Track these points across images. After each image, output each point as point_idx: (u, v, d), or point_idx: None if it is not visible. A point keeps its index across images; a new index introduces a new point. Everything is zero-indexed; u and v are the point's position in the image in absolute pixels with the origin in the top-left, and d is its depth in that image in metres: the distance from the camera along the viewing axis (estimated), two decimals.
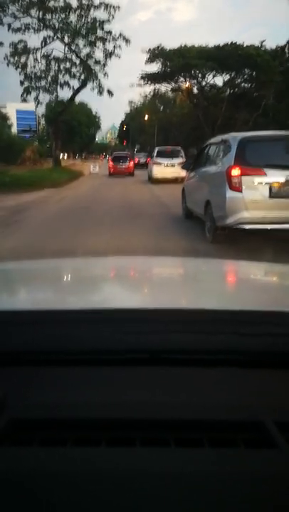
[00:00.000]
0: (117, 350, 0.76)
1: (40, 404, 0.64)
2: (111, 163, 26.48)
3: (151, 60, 35.50)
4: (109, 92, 26.86)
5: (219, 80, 45.55)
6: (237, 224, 5.37)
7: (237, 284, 1.44)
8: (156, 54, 34.67)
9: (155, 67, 35.73)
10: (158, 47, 34.67)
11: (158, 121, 54.79)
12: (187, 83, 37.93)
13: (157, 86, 39.37)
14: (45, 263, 1.79)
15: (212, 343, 0.76)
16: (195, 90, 38.91)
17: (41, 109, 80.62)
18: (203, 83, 37.71)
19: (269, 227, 5.35)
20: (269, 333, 0.78)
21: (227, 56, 30.16)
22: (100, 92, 26.68)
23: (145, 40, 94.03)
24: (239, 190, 5.31)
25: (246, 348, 0.77)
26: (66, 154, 71.56)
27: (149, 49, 34.72)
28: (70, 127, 75.83)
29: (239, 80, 34.44)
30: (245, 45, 31.22)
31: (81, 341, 0.77)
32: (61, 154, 69.90)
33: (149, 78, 37.47)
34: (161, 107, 60.36)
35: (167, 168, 17.07)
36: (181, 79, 37.52)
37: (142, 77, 37.87)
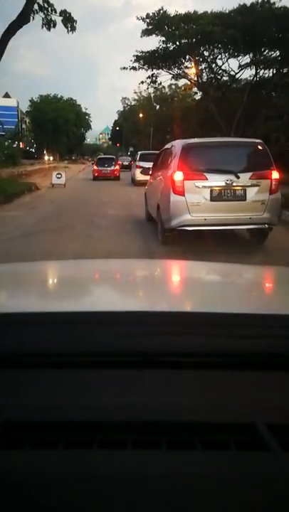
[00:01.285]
0: (110, 352, 0.77)
1: (33, 406, 0.65)
2: (95, 166, 24.64)
3: (148, 31, 25.81)
4: (67, 20, 13.20)
5: (234, 64, 36.37)
6: (180, 226, 5.63)
7: (230, 287, 1.41)
8: (156, 22, 24.95)
9: (155, 42, 26.20)
10: (159, 11, 24.97)
11: (155, 117, 46.12)
12: (194, 68, 28.40)
13: (156, 71, 29.57)
14: (39, 265, 1.82)
15: (204, 345, 0.77)
16: (204, 78, 29.38)
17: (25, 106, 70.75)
18: (214, 67, 28.19)
19: (210, 228, 5.69)
20: (260, 336, 0.78)
21: (255, 22, 20.45)
22: (49, 24, 13.25)
23: (140, 42, 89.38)
24: (182, 194, 5.57)
25: (238, 351, 0.77)
26: (52, 156, 61.59)
27: (148, 14, 25.04)
28: (56, 125, 65.98)
29: (265, 57, 24.67)
30: (281, 6, 21.43)
31: (74, 344, 0.76)
32: (46, 156, 60.31)
33: (146, 60, 27.79)
34: (157, 107, 52.35)
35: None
36: (186, 64, 27.88)
37: (137, 58, 28.26)
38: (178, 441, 0.58)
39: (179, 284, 1.43)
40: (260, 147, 5.93)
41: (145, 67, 28.23)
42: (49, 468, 0.51)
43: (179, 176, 5.54)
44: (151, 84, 30.62)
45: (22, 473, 0.51)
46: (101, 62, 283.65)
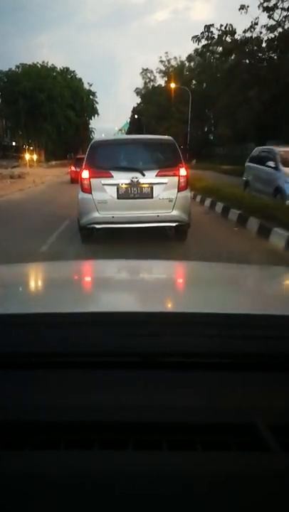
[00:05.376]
0: (109, 353, 0.77)
1: (33, 406, 0.65)
2: (72, 167, 20.13)
3: None
4: None
5: None
6: (90, 224, 5.70)
7: (231, 287, 1.40)
8: None
9: None
10: None
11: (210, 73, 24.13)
12: None
13: None
14: (39, 266, 1.85)
15: (204, 346, 0.77)
16: None
17: None
18: None
19: (118, 226, 5.74)
20: (260, 336, 0.78)
21: None
22: None
23: (161, 40, 71.11)
24: (89, 192, 5.64)
25: (238, 351, 0.77)
26: (35, 154, 37.15)
27: None
28: (33, 104, 41.93)
29: None
30: None
31: (74, 344, 0.77)
32: (27, 154, 36.54)
33: None
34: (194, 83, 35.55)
35: None
36: None
37: None
38: (178, 442, 0.59)
39: (179, 285, 1.42)
40: (169, 144, 5.99)
41: None
42: (49, 469, 0.51)
43: (85, 174, 5.64)
44: None
45: (22, 474, 0.51)
46: (123, 59, 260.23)
